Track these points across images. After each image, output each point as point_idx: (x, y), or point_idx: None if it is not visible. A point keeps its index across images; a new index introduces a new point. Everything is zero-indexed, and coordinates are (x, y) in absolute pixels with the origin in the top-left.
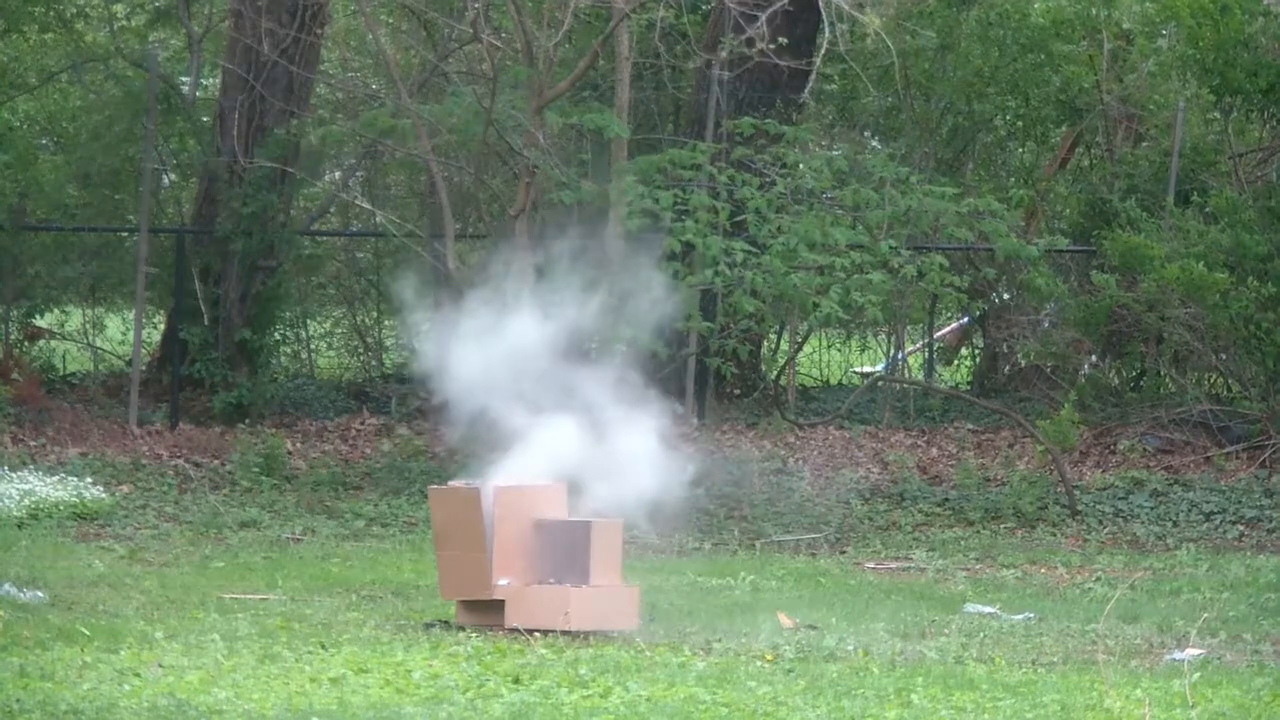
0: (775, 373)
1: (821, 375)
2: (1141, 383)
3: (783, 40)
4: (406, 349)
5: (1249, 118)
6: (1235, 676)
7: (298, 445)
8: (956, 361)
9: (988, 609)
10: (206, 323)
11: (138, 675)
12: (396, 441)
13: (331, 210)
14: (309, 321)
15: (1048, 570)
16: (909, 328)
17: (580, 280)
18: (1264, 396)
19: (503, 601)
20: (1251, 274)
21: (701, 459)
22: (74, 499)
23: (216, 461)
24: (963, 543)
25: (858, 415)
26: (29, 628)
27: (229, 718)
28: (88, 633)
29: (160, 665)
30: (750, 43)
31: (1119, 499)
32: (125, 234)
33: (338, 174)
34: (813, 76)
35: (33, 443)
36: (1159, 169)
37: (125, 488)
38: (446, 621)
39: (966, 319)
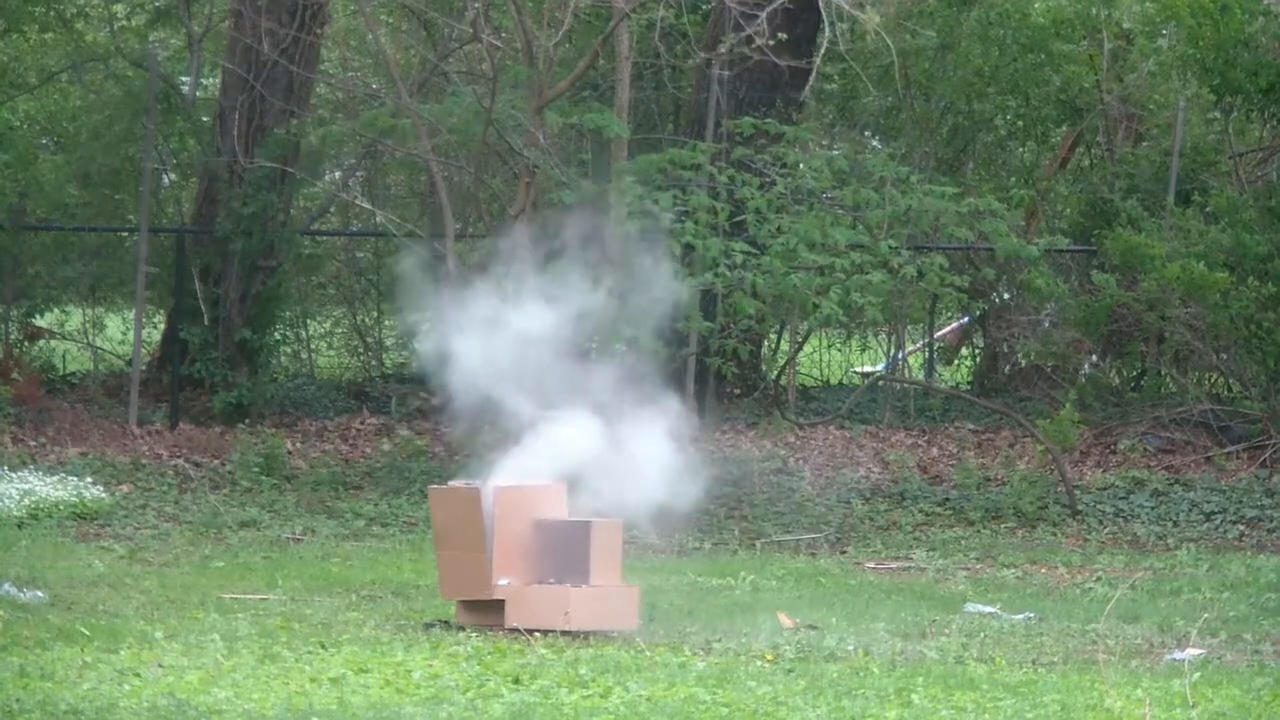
0: (775, 373)
1: (822, 375)
2: (1142, 382)
3: (783, 36)
4: (407, 348)
5: (1249, 117)
6: (1236, 676)
7: (298, 445)
8: (957, 361)
9: (988, 609)
10: (206, 322)
11: (138, 675)
12: (396, 441)
13: (331, 210)
14: (309, 321)
15: (1048, 570)
16: (909, 327)
17: (580, 280)
18: (1264, 396)
19: (503, 601)
20: (1252, 274)
21: (703, 458)
22: (74, 499)
23: (216, 461)
24: (963, 542)
25: (858, 415)
26: (29, 628)
27: (229, 718)
28: (87, 633)
29: (160, 665)
30: (750, 41)
31: (1119, 499)
32: (125, 234)
33: (338, 174)
34: (813, 75)
35: (33, 442)
36: (1159, 169)
37: (125, 488)
38: (446, 621)
39: (967, 319)
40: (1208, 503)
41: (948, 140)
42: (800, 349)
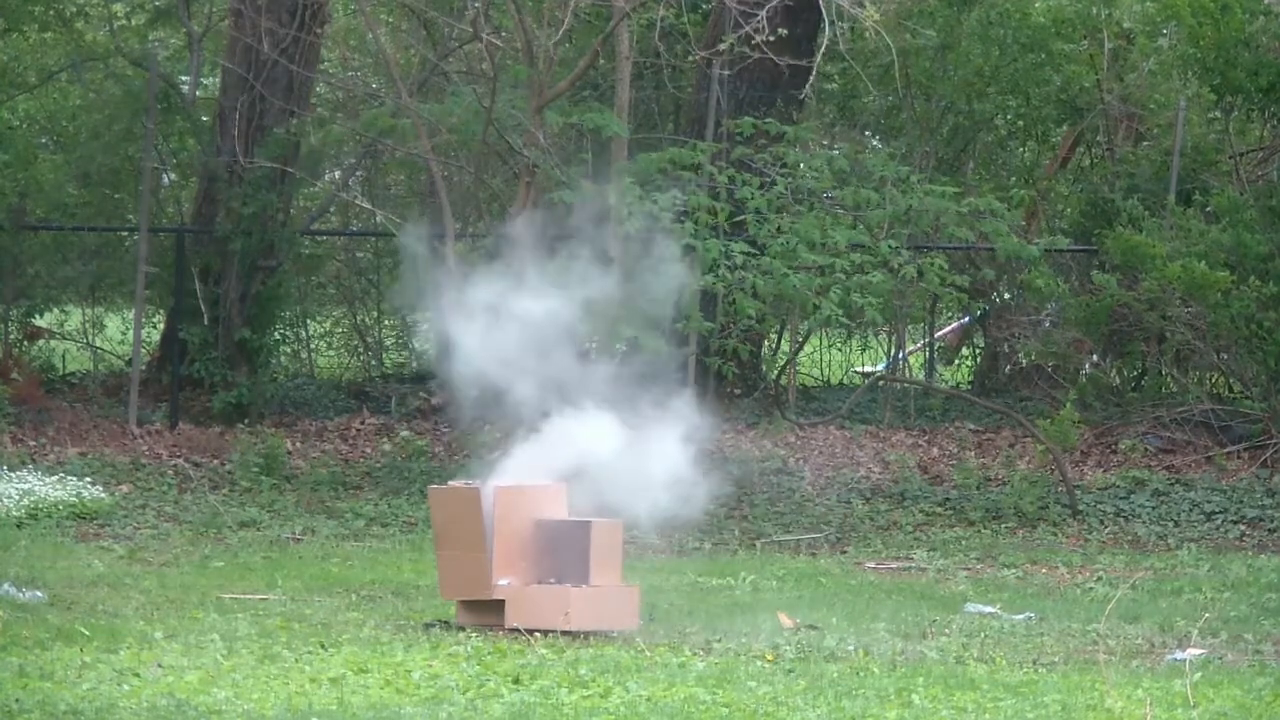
0: (776, 373)
1: (822, 375)
2: (1142, 382)
3: (783, 32)
4: (407, 348)
5: (1250, 117)
6: (1236, 676)
7: (298, 445)
8: (957, 361)
9: (988, 609)
10: (206, 322)
11: (137, 675)
12: (396, 441)
13: (331, 210)
14: (309, 321)
15: (1049, 570)
16: (910, 327)
17: (582, 277)
18: (1265, 396)
19: (503, 601)
20: (1253, 273)
21: (718, 460)
22: (73, 499)
23: (216, 461)
24: (963, 542)
25: (858, 415)
26: (28, 627)
27: (228, 718)
28: (87, 633)
29: (160, 665)
30: (749, 39)
31: (1120, 499)
32: (125, 233)
33: (338, 174)
34: (813, 73)
35: (32, 442)
36: (1160, 168)
37: (125, 487)
38: (446, 621)
39: (967, 319)
40: (1208, 503)
41: (948, 140)
42: (800, 349)
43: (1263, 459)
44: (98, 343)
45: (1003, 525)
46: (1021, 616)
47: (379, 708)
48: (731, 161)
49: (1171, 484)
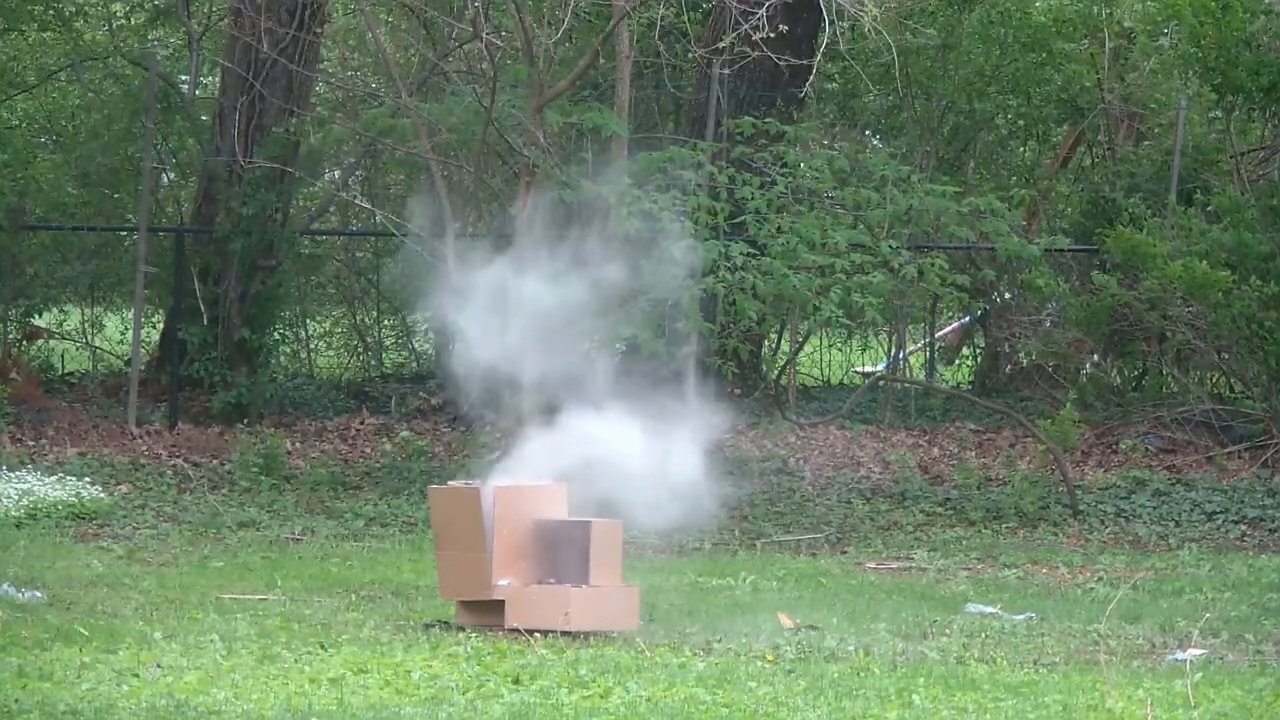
0: (776, 373)
1: (822, 375)
2: (1143, 382)
3: (783, 28)
4: (407, 348)
5: (1251, 116)
6: (1237, 677)
7: (297, 445)
8: (958, 361)
9: (989, 609)
10: (205, 322)
11: (136, 676)
12: (396, 441)
13: (331, 210)
14: (308, 321)
15: (1049, 570)
16: (910, 327)
17: (579, 278)
18: (1266, 396)
19: (503, 602)
20: (1254, 273)
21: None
22: (72, 499)
23: (215, 461)
24: (964, 543)
25: (859, 415)
26: (27, 628)
27: (228, 718)
28: (86, 633)
29: (159, 666)
30: (749, 37)
31: (1121, 499)
32: (124, 233)
33: (337, 173)
34: (813, 73)
35: (31, 442)
36: (1161, 168)
37: (124, 488)
38: (446, 622)
39: (967, 318)
40: (1209, 503)
41: (949, 139)
42: (801, 349)
43: (1264, 459)
44: (97, 343)
45: (1003, 525)
46: (1022, 617)
47: (379, 708)
48: (731, 161)
49: (1172, 484)
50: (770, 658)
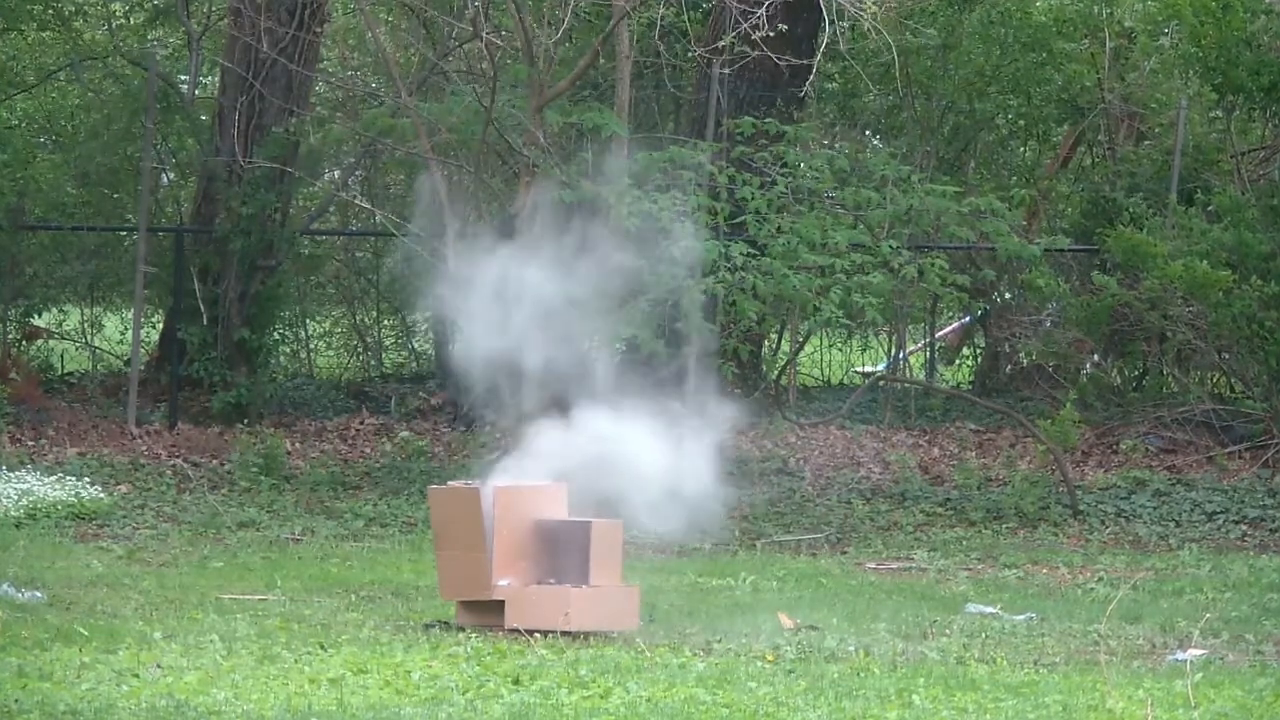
0: (776, 373)
1: (823, 375)
2: (1144, 382)
3: (783, 28)
4: (407, 348)
5: (1251, 116)
6: (1238, 677)
7: (297, 445)
8: (958, 361)
9: (989, 609)
10: (205, 322)
11: (136, 676)
12: (396, 441)
13: (331, 210)
14: (308, 321)
15: (1049, 570)
16: (910, 327)
17: (579, 278)
18: (1266, 396)
19: (503, 602)
20: (1254, 273)
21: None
22: (72, 499)
23: (215, 461)
24: (964, 543)
25: (859, 415)
26: (27, 628)
27: (227, 718)
28: (86, 633)
29: (159, 666)
30: (749, 37)
31: (1121, 499)
32: (124, 233)
33: (337, 173)
34: (813, 72)
35: (31, 442)
36: (1161, 168)
37: (123, 488)
38: (446, 622)
39: (968, 318)
40: (1210, 503)
41: (949, 139)
42: (801, 349)
43: (1264, 459)
44: (96, 343)
45: (1003, 525)
46: (1022, 617)
47: (378, 708)
48: (731, 161)
49: (1173, 484)
50: (770, 658)
